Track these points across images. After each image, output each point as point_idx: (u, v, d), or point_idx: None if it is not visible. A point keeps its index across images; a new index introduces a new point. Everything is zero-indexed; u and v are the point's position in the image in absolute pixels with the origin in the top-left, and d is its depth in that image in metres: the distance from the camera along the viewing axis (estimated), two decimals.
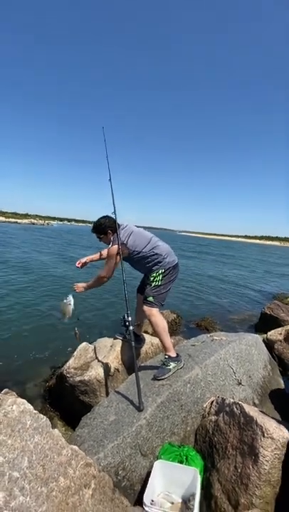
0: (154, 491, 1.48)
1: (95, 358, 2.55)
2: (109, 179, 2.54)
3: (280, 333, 3.26)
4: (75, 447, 1.22)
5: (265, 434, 1.38)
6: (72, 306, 2.29)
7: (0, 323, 4.32)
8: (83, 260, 2.52)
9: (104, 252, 2.39)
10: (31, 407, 1.22)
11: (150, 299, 2.16)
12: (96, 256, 2.55)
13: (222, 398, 1.86)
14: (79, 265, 2.50)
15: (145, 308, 2.18)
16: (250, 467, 1.37)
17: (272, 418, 1.58)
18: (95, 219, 2.43)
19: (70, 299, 2.29)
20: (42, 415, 1.23)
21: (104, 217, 2.36)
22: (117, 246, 2.16)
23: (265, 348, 3.02)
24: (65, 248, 16.65)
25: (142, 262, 2.25)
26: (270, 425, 1.40)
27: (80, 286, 2.39)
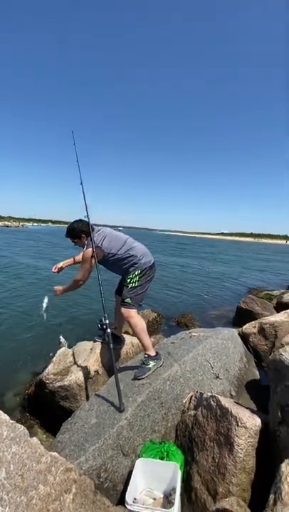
0: (137, 488, 1.51)
1: (74, 363, 2.53)
2: (81, 183, 2.57)
3: (254, 326, 3.41)
4: (55, 454, 1.22)
5: (239, 424, 1.45)
6: (44, 306, 2.55)
7: None
8: (59, 265, 2.50)
9: (79, 256, 2.38)
10: (7, 417, 1.20)
11: (128, 300, 2.19)
12: (70, 261, 2.54)
13: (200, 393, 1.92)
14: (55, 270, 2.49)
15: (123, 310, 2.20)
16: (227, 456, 1.44)
17: (247, 408, 1.66)
18: (71, 220, 2.43)
19: (44, 301, 2.56)
20: (19, 425, 1.21)
21: (77, 221, 2.36)
22: (91, 249, 2.17)
23: (241, 341, 3.15)
24: (48, 250, 16.25)
25: (117, 264, 2.27)
26: (244, 415, 1.48)
27: (58, 289, 2.42)
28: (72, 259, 2.54)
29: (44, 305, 2.55)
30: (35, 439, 1.20)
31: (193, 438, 1.69)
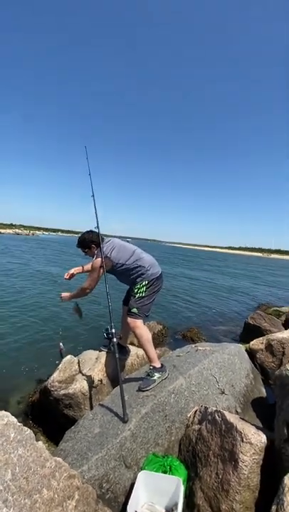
0: (138, 502, 1.49)
1: (79, 371, 2.55)
2: (92, 195, 2.65)
3: (262, 343, 3.36)
4: (59, 459, 1.23)
5: (244, 440, 1.44)
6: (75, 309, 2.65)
7: None
8: (71, 272, 2.56)
9: (88, 266, 2.44)
10: (15, 420, 1.23)
11: (134, 310, 2.22)
12: (79, 268, 2.59)
13: (205, 407, 1.91)
14: (67, 277, 2.56)
15: (129, 320, 2.23)
16: (231, 473, 1.41)
17: (252, 424, 1.64)
18: (80, 230, 2.52)
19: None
20: (26, 428, 1.23)
21: (87, 232, 2.45)
22: (100, 259, 2.23)
23: (248, 357, 3.11)
24: (60, 257, 16.51)
25: (125, 274, 2.32)
26: (249, 431, 1.46)
27: (65, 295, 2.50)
28: (81, 267, 2.60)
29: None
30: (40, 443, 1.22)
31: (197, 453, 1.67)
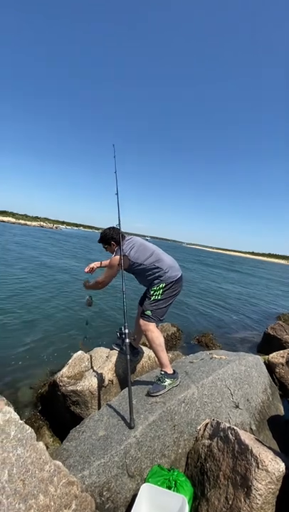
0: None
1: (89, 368, 2.50)
2: (116, 193, 2.61)
3: (283, 356, 3.15)
4: (59, 463, 1.17)
5: (260, 466, 1.30)
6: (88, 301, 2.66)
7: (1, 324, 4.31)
8: (91, 266, 2.57)
9: (107, 262, 2.41)
10: (17, 417, 1.18)
11: (148, 313, 2.12)
12: (98, 263, 2.60)
13: (217, 421, 1.78)
14: (88, 270, 2.57)
15: (141, 322, 2.14)
16: (242, 500, 1.28)
17: (270, 448, 1.50)
18: (101, 226, 2.49)
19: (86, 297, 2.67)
20: (27, 426, 1.18)
21: (109, 228, 2.41)
22: (118, 257, 2.17)
23: (266, 371, 2.92)
24: (81, 250, 16.84)
25: (143, 274, 2.23)
26: (266, 456, 1.32)
27: (85, 283, 2.51)
28: (100, 262, 2.60)
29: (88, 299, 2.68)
30: (41, 444, 1.17)
31: (206, 471, 1.55)
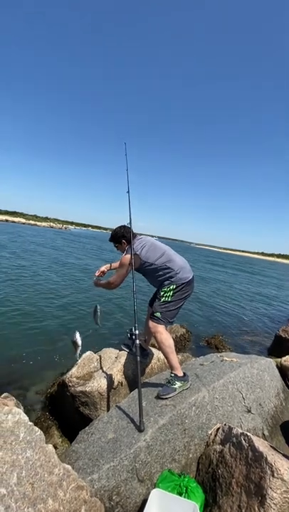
0: None
1: (98, 369, 2.49)
2: (128, 191, 2.58)
3: None
4: (68, 467, 1.15)
5: (275, 474, 1.25)
6: (98, 314, 2.46)
7: (13, 324, 4.35)
8: (101, 269, 2.55)
9: (117, 263, 2.39)
10: (26, 418, 1.17)
11: (157, 314, 2.09)
12: (108, 266, 2.57)
13: (229, 426, 1.73)
14: (98, 274, 2.54)
15: (151, 324, 2.11)
16: (256, 509, 1.24)
17: (285, 456, 1.44)
18: (109, 226, 2.47)
19: (97, 309, 2.46)
20: (37, 428, 1.17)
21: (120, 226, 2.38)
22: (129, 256, 2.14)
23: (279, 374, 2.84)
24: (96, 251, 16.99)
25: (153, 274, 2.19)
26: (282, 465, 1.27)
27: (96, 282, 2.48)
28: (109, 264, 2.57)
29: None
30: (50, 447, 1.15)
31: (218, 478, 1.51)
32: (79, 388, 2.26)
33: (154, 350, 2.84)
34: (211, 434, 1.82)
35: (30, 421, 2.45)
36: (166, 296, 2.11)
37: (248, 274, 22.99)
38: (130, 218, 2.41)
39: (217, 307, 7.94)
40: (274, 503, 1.22)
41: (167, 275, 2.13)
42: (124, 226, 2.39)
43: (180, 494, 1.45)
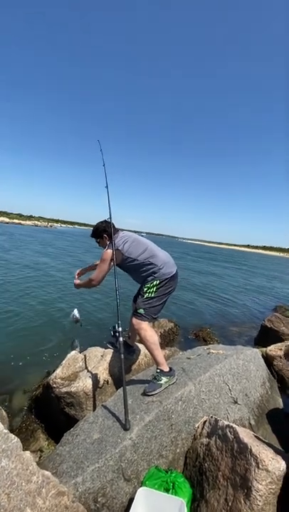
0: None
1: (84, 368, 2.43)
2: (106, 186, 2.54)
3: (280, 349, 3.11)
4: (48, 473, 1.10)
5: (260, 466, 1.25)
6: (73, 317, 2.54)
7: None
8: (77, 272, 2.54)
9: (96, 263, 2.36)
10: (1, 427, 1.11)
11: (141, 311, 2.05)
12: (84, 268, 2.57)
13: (215, 419, 1.73)
14: (77, 275, 2.53)
15: (134, 320, 2.07)
16: (242, 502, 1.23)
17: (270, 445, 1.45)
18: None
19: (74, 313, 2.55)
20: (13, 436, 1.11)
21: (101, 221, 2.33)
22: (111, 250, 2.09)
23: (264, 364, 2.88)
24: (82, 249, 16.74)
25: (136, 270, 2.15)
26: (266, 456, 1.27)
27: (76, 282, 2.44)
28: (88, 265, 2.58)
29: (74, 316, 2.56)
30: (27, 454, 1.10)
31: (204, 471, 1.50)
32: (64, 389, 2.20)
33: (140, 346, 2.81)
34: (198, 427, 1.82)
35: (15, 426, 2.38)
36: (149, 292, 2.07)
37: (234, 267, 23.38)
38: (110, 212, 2.35)
39: (204, 300, 8.02)
40: (259, 495, 1.22)
41: (150, 271, 2.09)
42: (105, 221, 2.33)
43: (167, 490, 1.43)
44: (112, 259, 2.09)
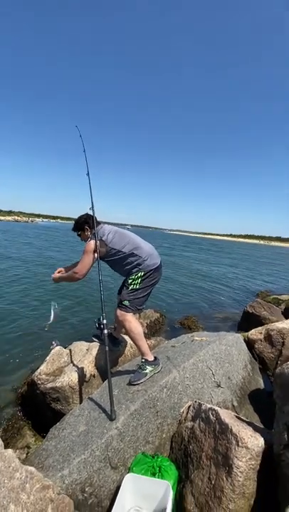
0: (124, 506, 1.38)
1: (69, 363, 2.42)
2: (87, 173, 2.47)
3: (261, 332, 3.23)
4: (31, 468, 1.10)
5: (240, 444, 1.30)
6: (52, 312, 2.50)
7: None
8: (59, 269, 2.43)
9: (75, 263, 2.30)
10: None
11: (125, 303, 2.04)
12: (64, 268, 2.45)
13: (199, 403, 1.78)
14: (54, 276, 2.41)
15: (118, 312, 2.07)
16: (224, 479, 1.29)
17: (250, 424, 1.51)
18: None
19: (52, 307, 2.51)
20: None
21: (83, 214, 2.28)
22: (94, 241, 2.05)
23: (246, 348, 2.98)
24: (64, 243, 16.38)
25: (120, 263, 2.13)
26: (246, 434, 1.33)
27: (55, 276, 2.35)
28: (70, 265, 2.46)
29: (52, 311, 2.50)
30: (9, 452, 1.08)
31: (189, 453, 1.55)
32: (49, 385, 2.19)
33: (126, 337, 2.83)
34: (182, 412, 1.87)
35: (2, 424, 2.34)
36: (134, 284, 2.07)
37: (216, 255, 23.84)
38: (92, 202, 2.29)
39: (190, 289, 8.15)
40: (240, 472, 1.28)
41: (135, 262, 2.07)
42: (86, 214, 2.28)
43: (154, 474, 1.47)
44: (95, 251, 2.05)
